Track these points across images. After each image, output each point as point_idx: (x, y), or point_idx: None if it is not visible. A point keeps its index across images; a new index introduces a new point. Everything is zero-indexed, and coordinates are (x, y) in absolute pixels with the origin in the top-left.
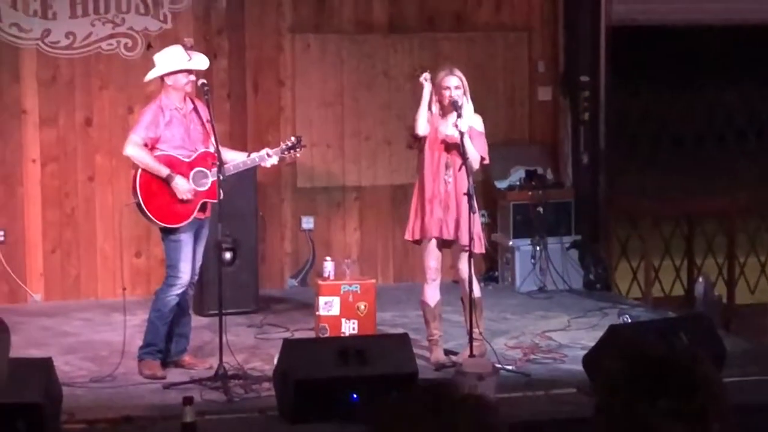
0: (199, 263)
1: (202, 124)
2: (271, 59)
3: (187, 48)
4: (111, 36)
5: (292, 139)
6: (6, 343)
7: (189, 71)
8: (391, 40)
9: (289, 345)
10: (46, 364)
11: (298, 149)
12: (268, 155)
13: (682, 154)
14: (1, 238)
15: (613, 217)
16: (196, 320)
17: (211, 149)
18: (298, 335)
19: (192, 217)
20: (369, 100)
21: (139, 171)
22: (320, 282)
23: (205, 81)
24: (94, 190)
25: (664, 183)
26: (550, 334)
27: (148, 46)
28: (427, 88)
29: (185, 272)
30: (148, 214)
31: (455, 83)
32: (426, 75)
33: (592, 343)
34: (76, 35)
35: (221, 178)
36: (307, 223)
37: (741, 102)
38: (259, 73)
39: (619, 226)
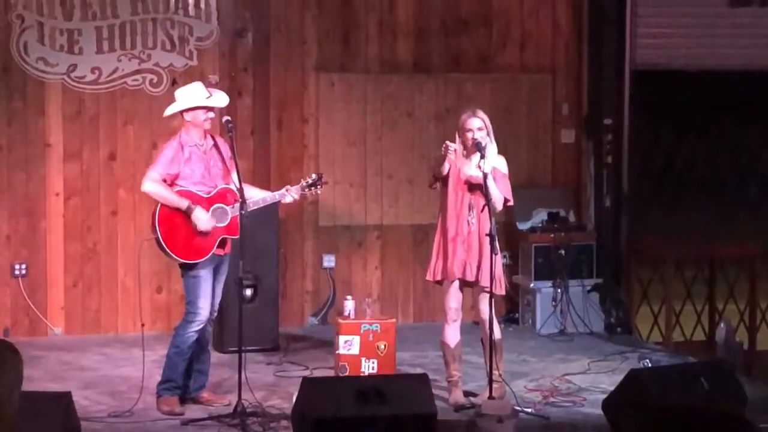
0: (218, 300)
1: (223, 160)
2: (295, 97)
3: (210, 84)
4: (136, 72)
5: (313, 176)
6: (17, 368)
7: (208, 108)
8: (416, 80)
9: (308, 383)
10: (65, 398)
11: (319, 186)
12: (288, 191)
13: (704, 198)
14: (23, 272)
15: (634, 261)
16: (215, 357)
17: (232, 186)
18: (317, 374)
19: (211, 254)
20: (392, 140)
21: (159, 206)
22: (340, 320)
23: (229, 118)
24: (117, 224)
25: (686, 227)
26: (569, 377)
27: (173, 83)
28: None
29: (204, 308)
30: (167, 249)
31: (478, 125)
32: (452, 148)
33: (612, 387)
34: (102, 70)
35: (243, 214)
36: (329, 261)
37: (763, 147)
38: (283, 111)
39: (640, 270)
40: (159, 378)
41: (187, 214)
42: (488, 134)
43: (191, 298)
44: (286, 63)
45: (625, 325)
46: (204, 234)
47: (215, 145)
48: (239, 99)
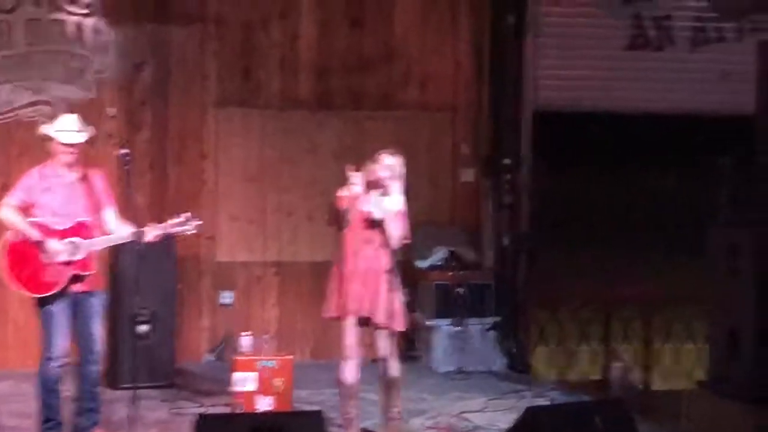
0: (96, 339)
1: (91, 195)
2: (194, 132)
3: (108, 117)
4: (31, 104)
5: (182, 216)
6: None
7: (63, 144)
8: (317, 117)
9: (202, 421)
10: None
11: (190, 226)
12: (148, 230)
13: (602, 240)
14: None
15: (532, 300)
16: (110, 393)
17: (87, 219)
18: (212, 411)
19: (59, 288)
20: (293, 176)
21: (8, 238)
22: (237, 357)
23: (127, 151)
24: None
25: (583, 268)
26: (467, 415)
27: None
28: (355, 189)
29: (58, 345)
30: (10, 280)
31: (389, 162)
32: (355, 177)
33: (509, 426)
34: None
35: (140, 246)
36: (226, 298)
37: (661, 189)
38: (182, 146)
39: (538, 309)
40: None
41: (37, 245)
42: (396, 177)
43: (45, 335)
44: (186, 97)
45: (522, 364)
46: (54, 267)
47: (85, 179)
48: (138, 133)
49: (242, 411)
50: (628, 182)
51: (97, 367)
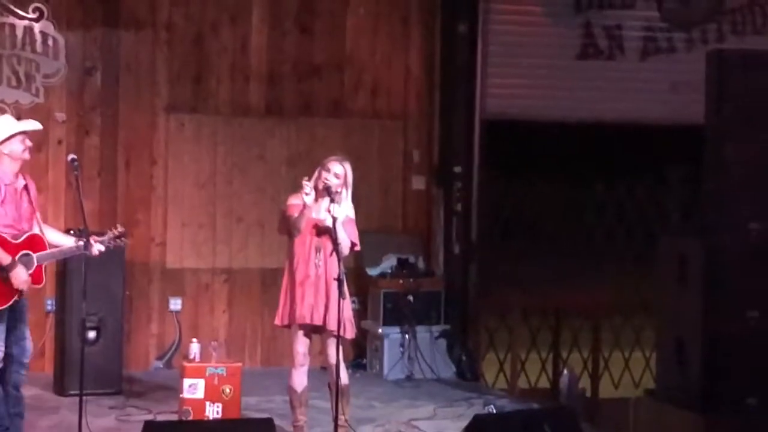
0: (29, 342)
1: (30, 202)
2: (144, 137)
3: (57, 122)
4: None
5: (119, 228)
6: None
7: (24, 134)
8: (268, 123)
9: (150, 427)
10: None
11: (122, 240)
12: (94, 243)
13: (551, 248)
14: None
15: (482, 308)
16: (56, 400)
17: (37, 231)
18: (161, 418)
19: (12, 302)
20: (243, 182)
21: None
22: (185, 363)
23: (74, 156)
24: None
25: (533, 276)
26: (416, 423)
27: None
28: (308, 199)
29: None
30: None
31: (337, 170)
32: (308, 187)
33: None
34: None
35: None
36: (175, 304)
37: (610, 199)
38: (132, 151)
39: (488, 317)
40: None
41: (6, 269)
42: (345, 185)
43: None
44: (136, 103)
45: (471, 372)
46: (9, 283)
47: (26, 185)
48: (87, 138)
49: (191, 418)
50: (578, 191)
51: (26, 371)
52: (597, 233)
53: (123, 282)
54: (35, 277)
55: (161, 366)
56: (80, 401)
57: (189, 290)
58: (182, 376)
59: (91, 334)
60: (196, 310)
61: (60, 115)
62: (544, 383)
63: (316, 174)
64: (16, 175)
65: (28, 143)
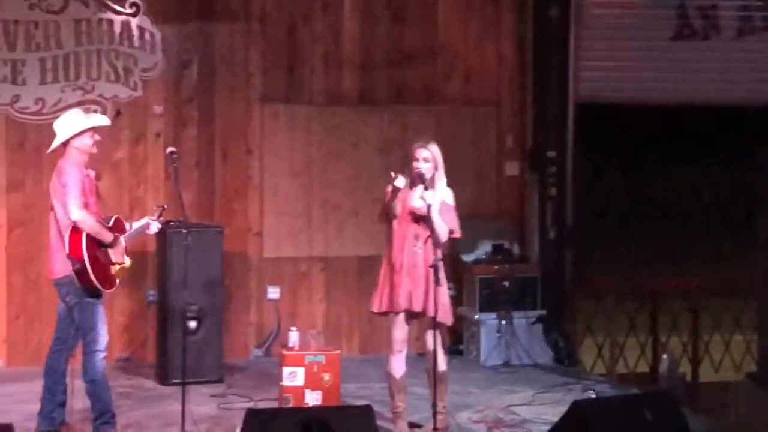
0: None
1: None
2: (240, 128)
3: (155, 115)
4: (80, 103)
5: (163, 206)
6: None
7: (94, 130)
8: (361, 112)
9: (252, 415)
10: (7, 430)
11: (161, 217)
12: (151, 222)
13: (648, 231)
14: None
15: (578, 293)
16: (160, 389)
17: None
18: (261, 405)
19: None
20: (337, 171)
21: (84, 235)
22: (285, 352)
23: (173, 149)
24: None
25: (630, 260)
26: (514, 409)
27: (118, 113)
28: (398, 182)
29: (105, 333)
30: (93, 279)
31: (425, 155)
32: (401, 179)
33: (556, 419)
34: (46, 101)
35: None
36: (273, 293)
37: (706, 180)
38: (228, 142)
39: (584, 302)
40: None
41: (110, 245)
42: (436, 167)
43: (90, 325)
44: (231, 94)
45: (569, 357)
46: (110, 264)
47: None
48: (184, 130)
49: (291, 405)
50: (675, 173)
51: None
52: (693, 215)
53: (222, 272)
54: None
55: (260, 354)
56: (183, 390)
57: (287, 279)
58: (282, 364)
59: (192, 324)
60: (294, 299)
61: (158, 108)
62: (643, 368)
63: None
64: (86, 166)
65: (97, 138)
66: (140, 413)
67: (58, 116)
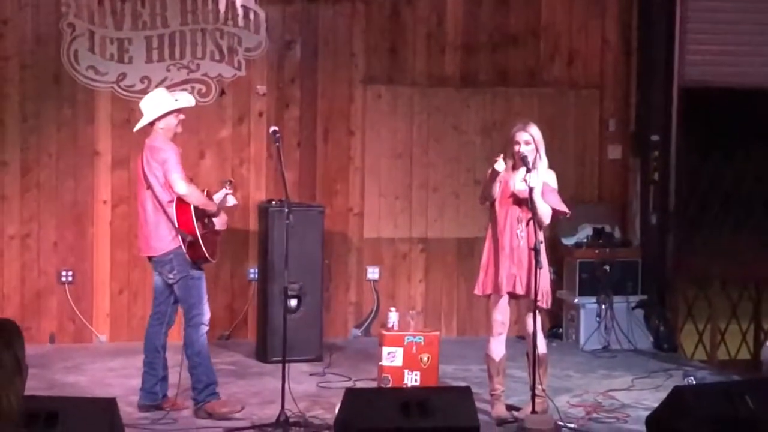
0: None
1: None
2: (342, 109)
3: (258, 95)
4: (185, 81)
5: (230, 179)
6: (18, 348)
7: (179, 111)
8: (463, 94)
9: (350, 394)
10: (110, 404)
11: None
12: (227, 196)
13: (751, 217)
14: (70, 278)
15: (680, 279)
16: (260, 367)
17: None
18: (360, 385)
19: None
20: (438, 153)
21: (192, 208)
22: (384, 332)
23: (276, 128)
24: None
25: (733, 246)
26: (613, 394)
27: (222, 93)
28: (498, 166)
29: (208, 311)
30: (203, 250)
31: (525, 138)
32: (501, 163)
33: (656, 404)
34: (151, 79)
35: (288, 223)
36: (373, 273)
37: None
38: (330, 123)
39: (686, 288)
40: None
41: (213, 215)
42: (537, 149)
43: (196, 300)
44: (334, 75)
45: (669, 343)
46: (213, 236)
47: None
48: (286, 110)
49: (389, 386)
50: None
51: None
52: None
53: (322, 251)
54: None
55: (359, 334)
56: (283, 368)
57: (386, 259)
58: (381, 344)
59: (293, 302)
60: (393, 279)
61: (261, 88)
62: (744, 355)
63: (510, 148)
64: (175, 141)
65: (182, 117)
66: (240, 390)
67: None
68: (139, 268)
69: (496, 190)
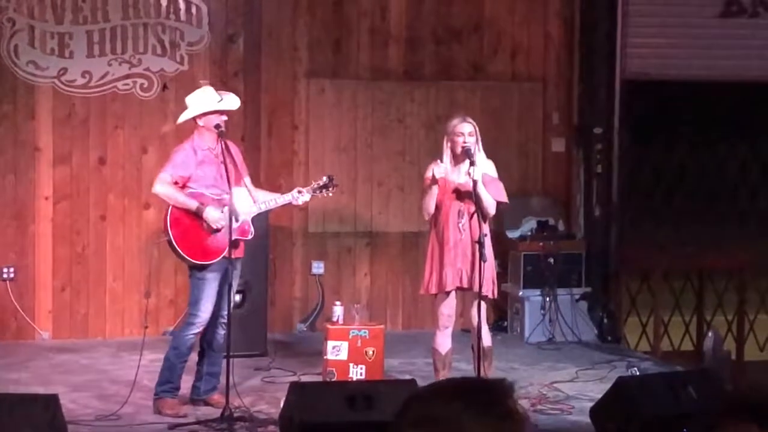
0: (229, 303)
1: (235, 165)
2: (286, 103)
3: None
4: (127, 76)
5: (324, 178)
6: None
7: (221, 112)
8: (407, 87)
9: (296, 388)
10: (52, 401)
11: (330, 189)
12: (300, 193)
13: (694, 209)
14: (11, 275)
15: (623, 271)
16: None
17: (243, 189)
18: (305, 379)
19: (222, 256)
20: (383, 146)
21: (170, 208)
22: (329, 326)
23: (220, 122)
24: (106, 229)
25: (675, 237)
26: (557, 386)
27: (164, 87)
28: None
29: (205, 312)
30: (179, 251)
31: (468, 130)
32: (440, 169)
33: (600, 395)
34: (93, 74)
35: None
36: (318, 268)
37: (753, 158)
38: (274, 117)
39: (629, 280)
40: (147, 382)
41: (197, 214)
42: (477, 141)
43: (194, 299)
44: (277, 69)
45: (613, 335)
46: (216, 235)
47: (228, 149)
48: None
49: (334, 379)
50: (720, 151)
51: (225, 332)
52: (740, 193)
53: (267, 246)
54: (243, 231)
55: (305, 329)
56: (227, 362)
57: (331, 254)
58: (326, 338)
59: (237, 298)
60: (339, 274)
61: (204, 83)
62: (687, 346)
63: (446, 143)
64: (216, 141)
65: (224, 118)
66: (185, 384)
67: (105, 89)
68: (81, 265)
69: (431, 204)
